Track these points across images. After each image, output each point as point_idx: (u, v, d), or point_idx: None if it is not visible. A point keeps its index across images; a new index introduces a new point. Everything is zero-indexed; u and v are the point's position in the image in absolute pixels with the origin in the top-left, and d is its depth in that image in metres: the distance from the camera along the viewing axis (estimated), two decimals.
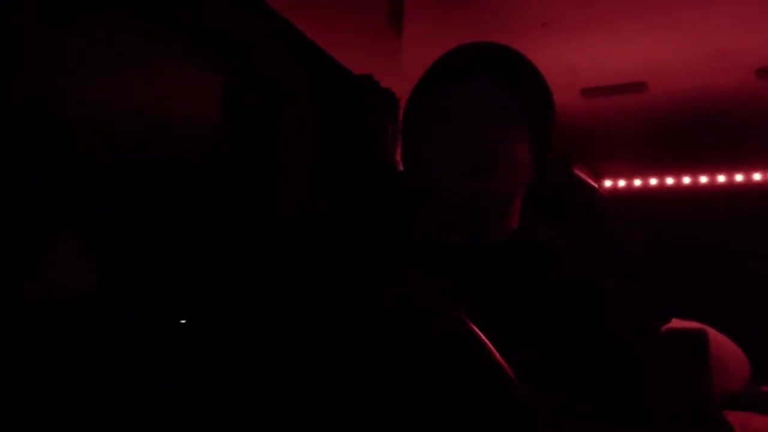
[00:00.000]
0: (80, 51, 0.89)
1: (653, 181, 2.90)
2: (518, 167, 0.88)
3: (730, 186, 2.78)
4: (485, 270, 0.84)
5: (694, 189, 2.82)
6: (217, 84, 1.13)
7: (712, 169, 2.81)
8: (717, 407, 0.79)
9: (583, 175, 2.62)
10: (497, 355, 0.59)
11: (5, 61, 0.80)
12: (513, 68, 0.91)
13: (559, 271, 0.83)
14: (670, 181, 2.87)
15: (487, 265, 0.85)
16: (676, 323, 1.86)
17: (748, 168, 2.76)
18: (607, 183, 2.95)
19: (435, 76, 0.94)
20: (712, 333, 1.77)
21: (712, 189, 2.80)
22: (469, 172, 0.84)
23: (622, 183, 2.94)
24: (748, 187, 2.75)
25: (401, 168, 1.01)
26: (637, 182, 2.92)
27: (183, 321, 0.66)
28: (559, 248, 0.88)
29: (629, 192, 2.93)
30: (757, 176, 2.76)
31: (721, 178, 2.80)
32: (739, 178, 2.78)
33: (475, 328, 0.61)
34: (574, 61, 2.24)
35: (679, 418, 0.73)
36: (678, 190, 2.86)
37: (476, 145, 0.85)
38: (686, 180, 2.84)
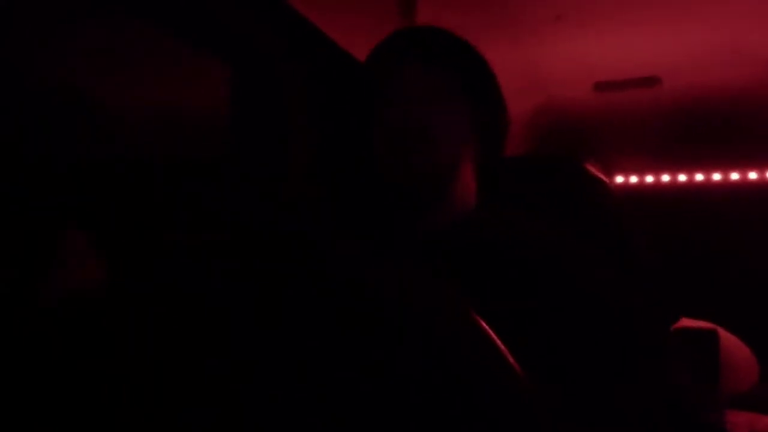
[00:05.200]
0: (86, 46, 0.89)
1: (665, 178, 2.88)
2: (450, 138, 0.93)
3: (744, 183, 2.75)
4: (447, 251, 0.87)
5: (708, 186, 2.80)
6: (225, 76, 1.13)
7: (725, 166, 2.78)
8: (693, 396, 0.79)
9: (593, 170, 2.60)
10: (508, 355, 0.59)
11: (8, 59, 0.80)
12: (451, 52, 0.97)
13: (519, 251, 0.84)
14: (682, 177, 2.85)
15: (448, 246, 0.88)
16: (686, 322, 1.84)
17: (762, 165, 2.73)
18: (619, 179, 2.93)
19: (371, 63, 1.01)
20: (722, 333, 1.75)
21: (726, 186, 2.77)
22: (402, 146, 0.91)
23: (633, 179, 2.92)
24: (763, 184, 2.73)
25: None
26: (650, 178, 2.90)
27: (195, 320, 0.66)
28: (522, 228, 0.89)
29: (641, 188, 2.91)
30: None
31: (735, 176, 2.77)
32: (753, 175, 2.75)
33: (487, 328, 0.60)
34: (587, 55, 2.23)
35: (654, 406, 0.72)
36: (691, 187, 2.83)
37: (407, 124, 0.91)
38: (699, 177, 2.82)
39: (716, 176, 2.81)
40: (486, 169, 1.00)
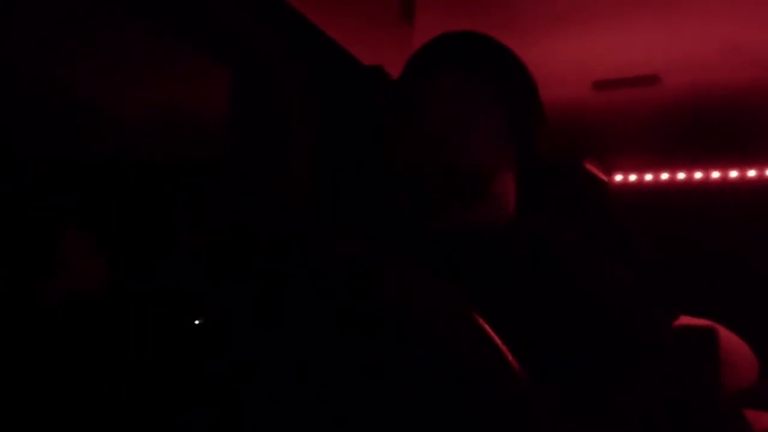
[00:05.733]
0: (86, 46, 0.89)
1: (664, 176, 2.88)
2: (485, 145, 0.93)
3: (743, 181, 2.76)
4: (479, 258, 0.86)
5: (706, 183, 2.80)
6: (225, 76, 1.13)
7: (724, 165, 2.78)
8: (726, 399, 0.79)
9: (593, 169, 2.60)
10: (508, 355, 0.59)
11: (8, 59, 0.80)
12: (487, 58, 0.97)
13: (558, 262, 0.84)
14: (681, 175, 2.85)
15: (480, 253, 0.88)
16: (684, 320, 1.85)
17: (761, 163, 2.73)
18: (618, 177, 2.93)
19: (407, 71, 1.01)
20: (721, 330, 1.75)
21: (724, 184, 2.77)
22: (435, 148, 0.90)
23: (633, 177, 2.92)
24: (761, 182, 2.73)
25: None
26: (649, 177, 2.90)
27: (195, 320, 0.66)
28: (560, 239, 0.89)
29: (640, 186, 2.91)
30: None
31: (734, 174, 2.77)
32: (751, 173, 2.75)
33: (488, 328, 0.60)
34: (586, 53, 2.22)
35: (685, 409, 0.72)
36: (690, 185, 2.83)
37: (441, 129, 0.91)
38: (698, 175, 2.82)
39: (715, 174, 2.81)
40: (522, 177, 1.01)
